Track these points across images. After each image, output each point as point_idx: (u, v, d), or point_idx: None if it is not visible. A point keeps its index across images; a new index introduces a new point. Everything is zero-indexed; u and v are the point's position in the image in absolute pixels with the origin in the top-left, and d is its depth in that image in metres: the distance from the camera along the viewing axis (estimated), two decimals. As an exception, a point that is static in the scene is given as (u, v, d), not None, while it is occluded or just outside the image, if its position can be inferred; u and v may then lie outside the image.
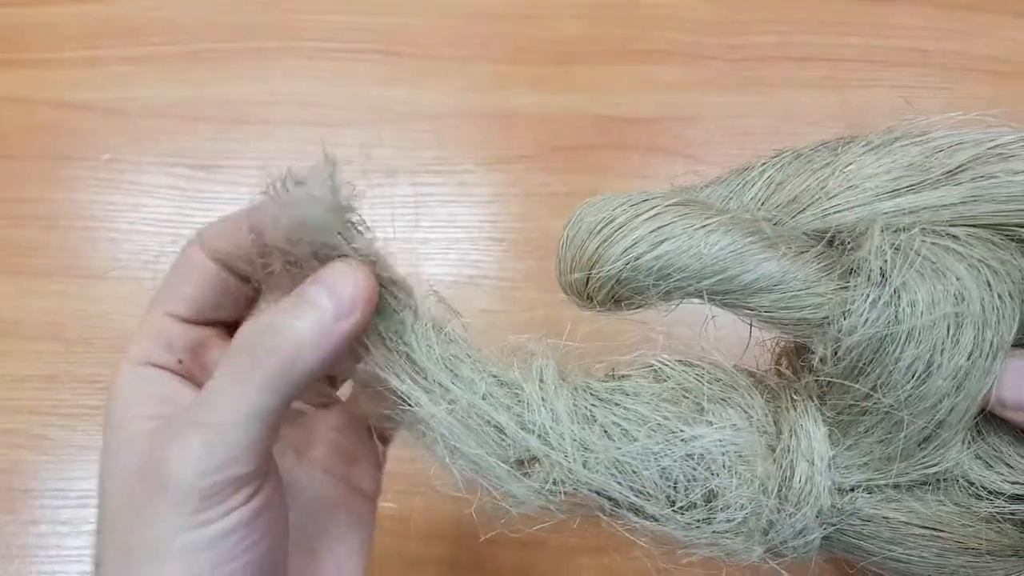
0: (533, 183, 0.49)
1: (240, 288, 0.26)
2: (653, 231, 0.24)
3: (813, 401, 0.25)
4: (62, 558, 0.41)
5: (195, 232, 0.25)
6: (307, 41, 0.52)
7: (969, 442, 0.25)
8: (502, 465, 0.24)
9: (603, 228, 0.24)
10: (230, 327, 0.27)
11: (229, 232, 0.24)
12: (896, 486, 0.25)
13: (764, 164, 0.26)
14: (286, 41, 0.52)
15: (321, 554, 0.27)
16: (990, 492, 0.24)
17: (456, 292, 0.46)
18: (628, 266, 0.24)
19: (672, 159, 0.50)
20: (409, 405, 0.24)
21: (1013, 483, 0.24)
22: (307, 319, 0.22)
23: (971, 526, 0.24)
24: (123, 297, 0.47)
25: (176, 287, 0.25)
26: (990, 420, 0.25)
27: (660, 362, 0.26)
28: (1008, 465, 0.24)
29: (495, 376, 0.25)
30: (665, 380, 0.26)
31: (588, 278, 0.25)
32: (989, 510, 0.24)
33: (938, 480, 0.25)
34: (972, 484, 0.25)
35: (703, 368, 0.26)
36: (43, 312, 0.46)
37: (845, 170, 0.25)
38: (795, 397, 0.25)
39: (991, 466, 0.25)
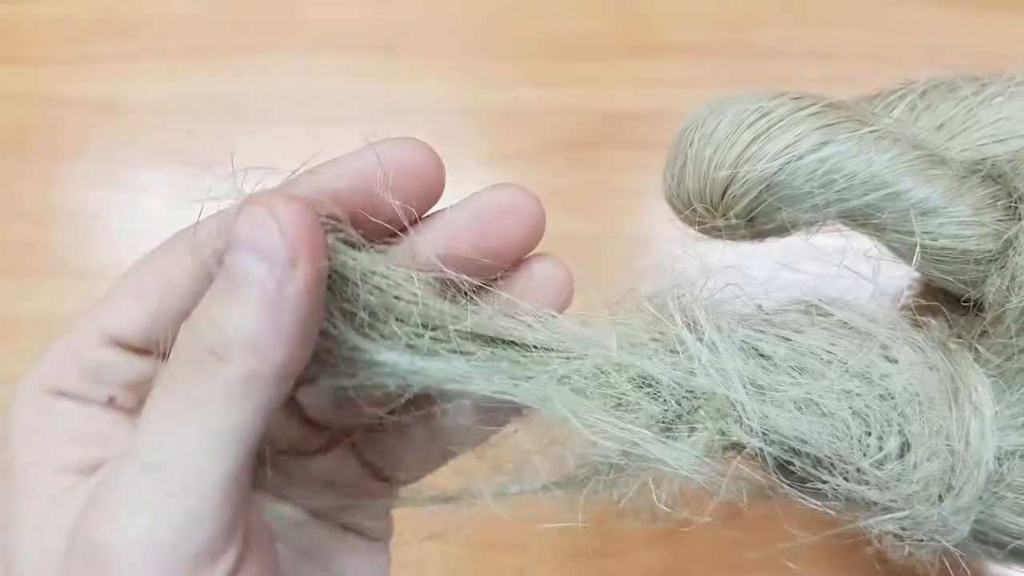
0: (534, 180, 0.48)
1: None
2: (818, 128, 0.20)
3: (971, 350, 0.22)
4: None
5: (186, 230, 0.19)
6: (305, 36, 0.52)
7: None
8: (645, 426, 0.18)
9: (758, 120, 0.20)
10: None
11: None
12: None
13: (900, 90, 0.24)
14: (283, 37, 0.52)
15: None
16: None
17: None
18: (788, 166, 0.20)
19: (675, 156, 0.49)
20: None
21: None
22: (246, 302, 0.16)
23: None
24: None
25: (132, 296, 0.18)
26: None
27: (816, 299, 0.21)
28: None
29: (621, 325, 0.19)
30: (826, 314, 0.21)
31: (733, 179, 0.20)
32: None
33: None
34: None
35: (860, 307, 0.21)
36: (38, 311, 0.45)
37: (993, 102, 0.23)
38: (950, 344, 0.22)
39: None
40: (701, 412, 0.19)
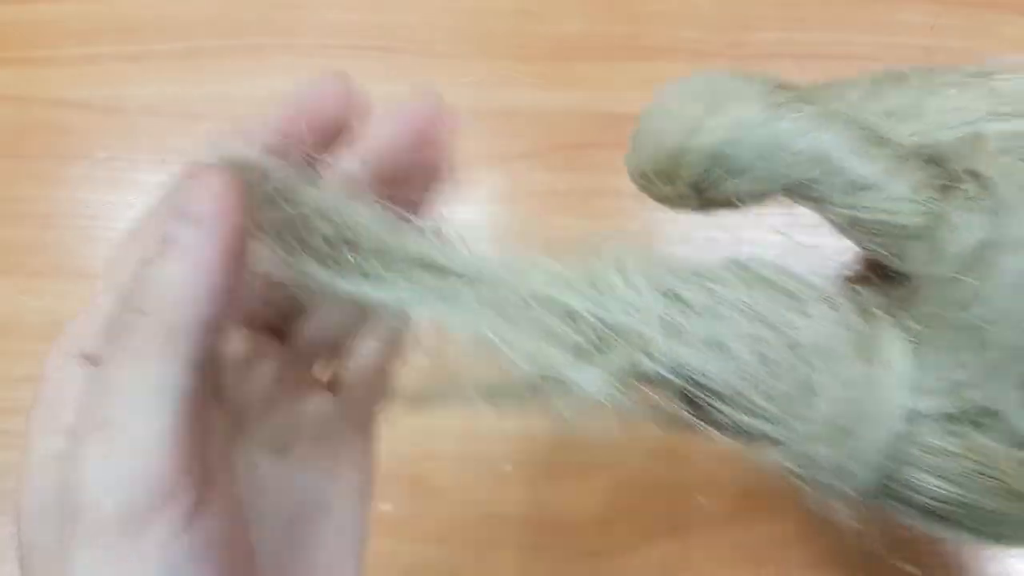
0: (534, 181, 0.48)
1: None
2: (766, 107, 0.22)
3: (891, 315, 0.23)
4: (58, 560, 0.41)
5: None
6: (306, 38, 0.52)
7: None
8: (564, 353, 0.20)
9: (710, 95, 0.22)
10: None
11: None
12: (958, 418, 0.23)
13: (855, 79, 0.25)
14: (284, 38, 0.52)
15: (308, 561, 0.22)
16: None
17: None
18: (733, 139, 0.21)
19: (674, 157, 0.50)
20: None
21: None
22: (173, 259, 0.17)
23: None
24: (120, 297, 0.46)
25: None
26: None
27: (745, 257, 0.23)
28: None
29: (554, 264, 0.21)
30: (751, 272, 0.23)
31: (682, 149, 0.22)
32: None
33: (989, 417, 0.23)
34: (1016, 433, 0.23)
35: (785, 266, 0.23)
36: (40, 312, 0.45)
37: (942, 92, 0.24)
38: (873, 309, 0.24)
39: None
40: (616, 345, 0.20)
